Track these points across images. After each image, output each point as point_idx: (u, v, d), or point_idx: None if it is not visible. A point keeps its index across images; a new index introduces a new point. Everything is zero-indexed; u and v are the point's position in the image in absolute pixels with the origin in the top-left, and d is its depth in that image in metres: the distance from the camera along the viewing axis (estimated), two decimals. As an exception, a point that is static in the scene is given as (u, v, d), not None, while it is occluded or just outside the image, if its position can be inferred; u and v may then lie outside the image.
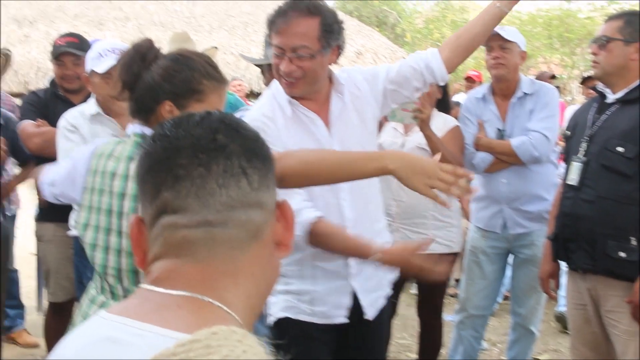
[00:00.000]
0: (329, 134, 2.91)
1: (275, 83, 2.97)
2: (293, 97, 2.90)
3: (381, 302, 3.14)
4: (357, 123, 2.99)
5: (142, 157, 1.19)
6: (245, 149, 1.17)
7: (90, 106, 3.94)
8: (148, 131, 2.45)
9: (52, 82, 4.68)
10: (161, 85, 2.41)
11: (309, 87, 2.87)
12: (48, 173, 2.73)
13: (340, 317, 3.02)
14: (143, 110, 2.46)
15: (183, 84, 2.43)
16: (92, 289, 2.57)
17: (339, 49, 2.89)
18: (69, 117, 3.90)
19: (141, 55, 2.43)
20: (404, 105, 4.10)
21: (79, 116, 3.90)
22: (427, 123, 4.16)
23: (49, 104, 4.52)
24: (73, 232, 3.67)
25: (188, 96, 2.44)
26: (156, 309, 1.08)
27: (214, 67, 2.51)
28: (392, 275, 3.20)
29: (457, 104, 6.42)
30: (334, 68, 2.99)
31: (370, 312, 3.06)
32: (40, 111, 4.47)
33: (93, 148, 2.56)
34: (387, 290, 3.21)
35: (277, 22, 2.78)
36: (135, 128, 2.51)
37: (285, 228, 1.24)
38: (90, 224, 2.49)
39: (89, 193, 2.50)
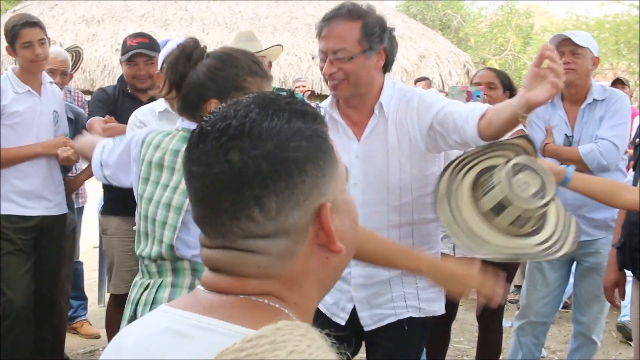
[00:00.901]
0: (357, 147, 2.95)
1: None
2: (341, 101, 3.01)
3: (389, 320, 3.05)
4: (394, 144, 2.94)
5: (183, 159, 1.18)
6: (259, 175, 1.06)
7: (160, 103, 4.01)
8: (192, 125, 2.51)
9: (121, 80, 4.77)
10: (206, 83, 2.47)
11: (353, 89, 2.91)
12: (99, 153, 2.82)
13: (339, 318, 3.06)
14: (190, 108, 2.53)
15: (227, 81, 2.48)
16: (137, 277, 2.69)
17: (385, 53, 2.93)
18: (138, 114, 3.97)
19: (187, 55, 2.50)
20: None
21: (148, 113, 3.97)
22: None
23: (117, 101, 4.63)
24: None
25: (233, 94, 2.45)
26: (213, 307, 1.10)
27: (258, 64, 2.58)
28: (426, 298, 3.11)
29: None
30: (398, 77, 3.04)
31: (369, 325, 3.04)
32: (109, 107, 4.57)
33: (145, 135, 2.64)
34: (406, 313, 3.07)
35: (321, 27, 2.89)
36: (183, 123, 2.58)
37: (325, 235, 1.14)
38: (139, 212, 2.61)
39: (138, 181, 2.60)
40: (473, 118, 2.70)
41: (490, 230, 2.63)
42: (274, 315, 1.05)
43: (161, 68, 3.75)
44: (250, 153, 1.06)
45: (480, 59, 26.09)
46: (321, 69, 2.94)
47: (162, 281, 2.53)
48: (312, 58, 3.16)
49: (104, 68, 12.22)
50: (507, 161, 2.65)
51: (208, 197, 1.09)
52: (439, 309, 3.17)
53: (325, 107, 3.03)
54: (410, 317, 3.06)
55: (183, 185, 2.40)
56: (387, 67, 2.99)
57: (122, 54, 4.58)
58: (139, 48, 4.47)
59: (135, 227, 2.66)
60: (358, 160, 2.94)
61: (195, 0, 14.28)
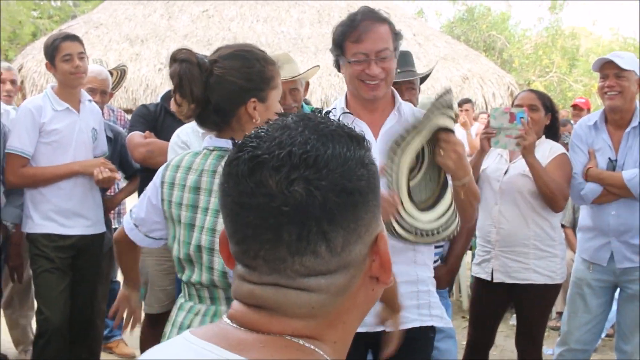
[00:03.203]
0: (375, 146, 2.95)
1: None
2: (353, 102, 3.10)
3: (412, 325, 3.00)
4: None
5: (219, 187, 1.09)
6: (326, 209, 1.00)
7: None
8: (227, 144, 2.42)
9: (164, 97, 4.78)
10: (242, 85, 2.41)
11: (387, 89, 3.02)
12: (129, 217, 2.66)
13: None
14: (224, 118, 2.43)
15: (259, 76, 2.44)
16: (181, 298, 2.57)
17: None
18: (181, 134, 3.96)
19: (198, 66, 2.40)
20: (507, 132, 4.03)
21: (191, 133, 3.94)
22: (530, 150, 4.07)
23: (158, 118, 4.63)
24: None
25: (266, 87, 2.45)
26: (242, 344, 1.03)
27: (263, 51, 2.54)
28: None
29: (568, 121, 6.26)
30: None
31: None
32: (150, 124, 4.58)
33: (167, 163, 2.55)
34: (429, 321, 3.07)
35: (354, 32, 2.92)
36: (214, 142, 2.47)
37: (381, 266, 1.08)
38: (175, 236, 2.48)
39: (167, 205, 2.48)
40: None
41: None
42: (304, 357, 1.01)
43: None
44: (317, 184, 0.99)
45: (524, 80, 25.92)
46: (356, 73, 2.96)
47: (216, 309, 2.42)
48: (338, 61, 3.10)
49: (146, 87, 12.32)
50: None
51: (265, 231, 1.00)
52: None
53: (339, 107, 3.11)
54: (432, 327, 3.08)
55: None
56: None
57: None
58: None
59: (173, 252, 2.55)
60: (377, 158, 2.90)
61: (238, 20, 14.37)
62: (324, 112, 1.11)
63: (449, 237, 2.85)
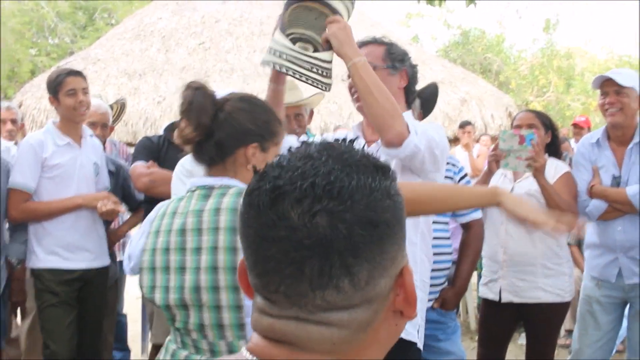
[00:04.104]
0: None
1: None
2: (367, 126, 3.18)
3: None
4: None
5: (239, 217, 1.06)
6: (351, 242, 0.96)
7: None
8: (217, 181, 2.38)
9: (167, 129, 4.79)
10: (247, 127, 2.39)
11: None
12: (128, 246, 2.62)
13: None
14: (222, 154, 2.40)
15: (265, 125, 2.42)
16: (172, 344, 2.45)
17: (407, 75, 3.16)
18: (185, 163, 3.95)
19: (211, 97, 2.39)
20: (517, 154, 4.03)
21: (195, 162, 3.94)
22: (541, 172, 4.07)
23: (161, 149, 4.65)
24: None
25: (269, 138, 2.43)
26: None
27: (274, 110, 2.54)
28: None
29: (566, 139, 6.27)
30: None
31: None
32: (153, 155, 4.59)
33: (154, 212, 2.49)
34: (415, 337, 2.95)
35: None
36: (196, 182, 2.44)
37: (406, 300, 1.05)
38: (157, 285, 2.39)
39: (150, 254, 2.41)
40: None
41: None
42: None
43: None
44: (341, 217, 0.96)
45: (522, 101, 25.98)
46: (349, 89, 3.11)
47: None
48: (343, 80, 3.24)
49: (146, 120, 12.34)
50: None
51: (287, 265, 0.97)
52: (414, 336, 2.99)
53: (354, 131, 3.24)
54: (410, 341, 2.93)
55: (222, 244, 2.25)
56: (408, 95, 3.17)
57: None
58: None
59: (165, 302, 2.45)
60: None
61: (234, 52, 14.42)
62: (347, 140, 1.08)
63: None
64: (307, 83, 2.87)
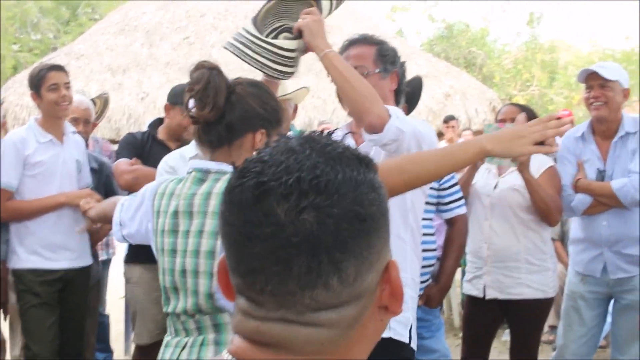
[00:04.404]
0: None
1: None
2: (356, 126, 3.13)
3: None
4: None
5: (219, 216, 1.02)
6: (338, 238, 0.94)
7: (190, 149, 3.94)
8: (214, 166, 2.39)
9: (152, 125, 4.76)
10: (258, 112, 2.40)
11: None
12: (119, 212, 2.66)
13: None
14: (230, 137, 2.40)
15: (274, 112, 2.45)
16: (167, 336, 2.50)
17: (397, 76, 3.15)
18: (168, 160, 3.93)
19: (225, 80, 2.40)
20: None
21: (179, 158, 3.92)
22: (526, 166, 4.07)
23: (145, 146, 4.60)
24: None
25: (275, 125, 2.45)
26: None
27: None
28: None
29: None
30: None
31: None
32: (136, 151, 4.55)
33: (156, 186, 2.53)
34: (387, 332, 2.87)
35: (340, 53, 3.04)
36: (193, 164, 2.46)
37: (392, 294, 1.02)
38: (159, 266, 2.45)
39: (156, 235, 2.45)
40: None
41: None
42: None
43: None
44: (329, 212, 0.93)
45: (506, 95, 26.02)
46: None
47: (203, 338, 2.35)
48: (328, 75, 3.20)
49: (129, 117, 12.25)
50: None
51: (273, 264, 0.94)
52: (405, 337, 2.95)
53: (342, 130, 3.24)
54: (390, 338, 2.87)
55: (208, 228, 2.29)
56: (398, 95, 3.18)
57: (180, 103, 4.49)
58: None
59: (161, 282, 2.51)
60: None
61: (219, 46, 14.38)
62: (325, 133, 1.05)
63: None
64: (262, 71, 2.86)
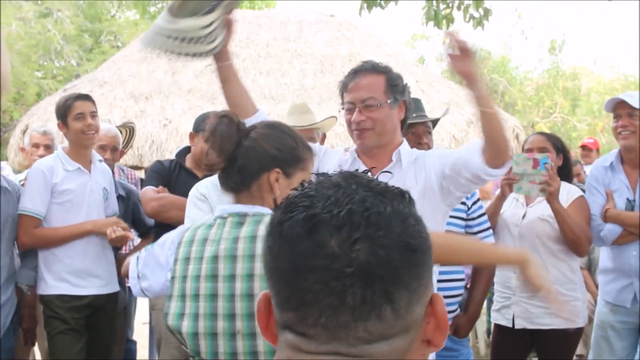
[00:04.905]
0: None
1: None
2: (360, 152, 3.18)
3: None
4: (411, 185, 2.99)
5: (266, 251, 1.03)
6: (391, 269, 0.95)
7: None
8: (250, 209, 2.38)
9: (179, 154, 4.81)
10: (271, 153, 2.40)
11: (378, 139, 3.08)
12: (135, 265, 2.61)
13: None
14: (246, 180, 2.41)
15: (290, 151, 2.43)
16: None
17: (405, 106, 3.14)
18: (200, 187, 3.94)
19: (236, 125, 2.42)
20: (530, 178, 3.99)
21: (210, 186, 3.93)
22: (555, 196, 4.03)
23: (172, 174, 4.64)
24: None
25: (295, 164, 2.43)
26: None
27: (303, 141, 2.54)
28: None
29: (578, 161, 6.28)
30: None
31: None
32: (164, 179, 4.59)
33: (181, 234, 2.49)
34: None
35: (347, 82, 3.10)
36: (227, 209, 2.43)
37: (436, 327, 1.03)
38: (186, 313, 2.37)
39: (180, 282, 2.39)
40: (475, 148, 2.91)
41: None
42: None
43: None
44: (381, 242, 0.94)
45: (528, 122, 25.97)
46: (347, 122, 3.11)
47: None
48: (339, 111, 3.24)
49: (152, 143, 12.30)
50: None
51: (327, 296, 0.94)
52: None
53: (352, 152, 3.24)
54: None
55: (259, 271, 2.24)
56: (403, 124, 3.18)
57: (202, 129, 4.54)
58: None
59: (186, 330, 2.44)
60: None
61: (241, 73, 14.47)
62: (361, 170, 1.08)
63: (210, 52, 2.94)
64: (186, 58, 2.95)
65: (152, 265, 2.54)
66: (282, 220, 0.99)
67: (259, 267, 2.25)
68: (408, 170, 3.06)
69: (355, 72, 3.11)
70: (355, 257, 0.93)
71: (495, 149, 2.85)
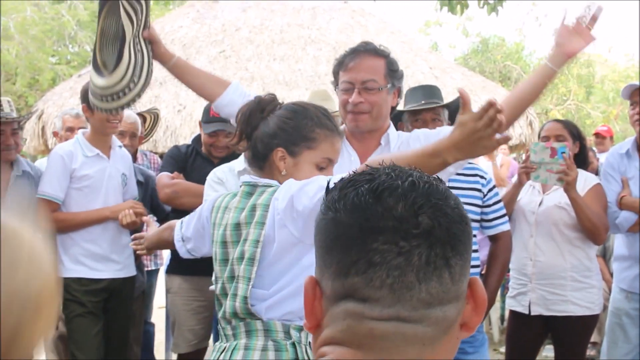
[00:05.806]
0: None
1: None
2: (356, 133, 3.12)
3: None
4: None
5: (329, 223, 1.06)
6: (450, 235, 1.01)
7: (239, 162, 3.98)
8: (261, 180, 2.50)
9: (195, 140, 4.85)
10: (275, 132, 2.49)
11: (373, 123, 3.05)
12: (179, 230, 2.81)
13: None
14: (258, 158, 2.54)
15: (295, 131, 2.49)
16: (217, 343, 2.60)
17: (399, 93, 3.15)
18: (217, 172, 3.99)
19: (261, 108, 2.53)
20: (548, 166, 3.99)
21: (228, 171, 3.97)
22: (573, 185, 4.03)
23: (188, 159, 4.69)
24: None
25: (299, 143, 2.50)
26: None
27: (328, 117, 2.58)
28: None
29: (591, 149, 6.27)
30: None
31: None
32: (180, 164, 4.63)
33: (214, 200, 2.64)
34: None
35: (346, 61, 3.03)
36: (246, 178, 2.55)
37: (474, 310, 1.08)
38: (218, 276, 2.55)
39: (214, 246, 2.57)
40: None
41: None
42: None
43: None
44: (443, 210, 1.02)
45: (542, 109, 25.87)
46: (343, 102, 3.05)
47: (236, 344, 2.45)
48: (335, 89, 3.20)
49: (166, 129, 12.32)
50: None
51: (395, 256, 0.99)
52: None
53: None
54: None
55: (251, 237, 2.39)
56: (393, 109, 3.19)
57: (204, 122, 4.58)
58: (221, 122, 4.44)
59: (211, 288, 2.62)
60: None
61: (255, 60, 14.43)
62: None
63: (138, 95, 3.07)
64: (121, 108, 3.17)
65: (192, 230, 2.75)
66: (346, 193, 1.06)
67: (252, 232, 2.40)
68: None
69: (356, 52, 3.04)
70: (421, 221, 1.00)
71: (517, 115, 2.92)
